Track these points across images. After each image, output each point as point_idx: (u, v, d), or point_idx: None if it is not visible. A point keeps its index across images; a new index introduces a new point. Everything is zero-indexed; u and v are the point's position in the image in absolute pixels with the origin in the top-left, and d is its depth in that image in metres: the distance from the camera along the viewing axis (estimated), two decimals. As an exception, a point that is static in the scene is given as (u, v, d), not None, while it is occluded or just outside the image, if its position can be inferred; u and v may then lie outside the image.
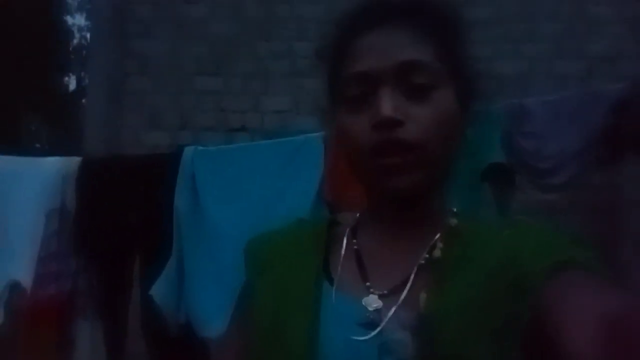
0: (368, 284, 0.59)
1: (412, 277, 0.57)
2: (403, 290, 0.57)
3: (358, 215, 0.66)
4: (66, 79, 12.05)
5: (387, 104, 0.55)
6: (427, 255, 0.58)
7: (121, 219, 1.86)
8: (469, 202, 1.47)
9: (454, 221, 0.61)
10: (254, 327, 0.61)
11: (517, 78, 2.95)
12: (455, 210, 0.64)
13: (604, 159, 1.62)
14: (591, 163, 1.62)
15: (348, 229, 0.65)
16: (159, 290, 1.74)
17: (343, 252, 0.62)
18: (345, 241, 0.64)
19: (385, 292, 0.57)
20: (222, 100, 3.20)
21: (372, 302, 0.57)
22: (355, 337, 0.55)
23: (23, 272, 1.83)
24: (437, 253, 0.58)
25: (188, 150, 1.85)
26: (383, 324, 0.55)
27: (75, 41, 12.57)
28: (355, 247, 0.63)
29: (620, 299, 0.44)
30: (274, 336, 0.58)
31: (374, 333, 0.55)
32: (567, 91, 1.99)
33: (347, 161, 0.61)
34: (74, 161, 1.94)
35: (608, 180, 2.38)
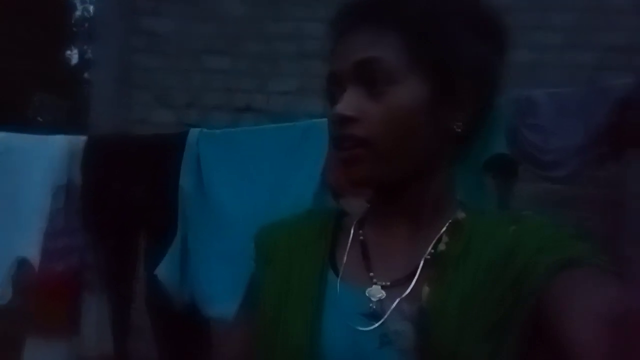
0: (372, 274, 0.60)
1: (419, 270, 0.57)
2: (407, 282, 0.57)
3: (368, 206, 0.67)
4: (68, 52, 11.98)
5: (342, 102, 0.58)
6: (432, 250, 0.59)
7: (127, 197, 1.87)
8: (471, 192, 1.47)
9: (461, 214, 0.61)
10: (259, 316, 0.62)
11: (528, 67, 2.91)
12: (461, 201, 0.64)
13: (608, 153, 1.61)
14: (595, 157, 1.62)
15: (356, 220, 0.66)
16: (163, 269, 1.76)
17: (350, 242, 0.63)
18: (352, 232, 0.64)
19: (388, 283, 0.58)
20: (229, 79, 3.19)
21: (376, 292, 0.58)
22: (358, 327, 0.56)
23: (31, 248, 1.84)
24: (441, 247, 0.59)
25: (193, 132, 1.85)
26: (386, 315, 0.56)
27: (78, 14, 12.45)
28: (362, 237, 0.63)
29: (625, 295, 0.44)
30: (276, 325, 0.59)
31: (377, 324, 0.55)
32: (576, 83, 1.96)
33: None
34: (80, 139, 1.94)
35: (615, 174, 2.36)
